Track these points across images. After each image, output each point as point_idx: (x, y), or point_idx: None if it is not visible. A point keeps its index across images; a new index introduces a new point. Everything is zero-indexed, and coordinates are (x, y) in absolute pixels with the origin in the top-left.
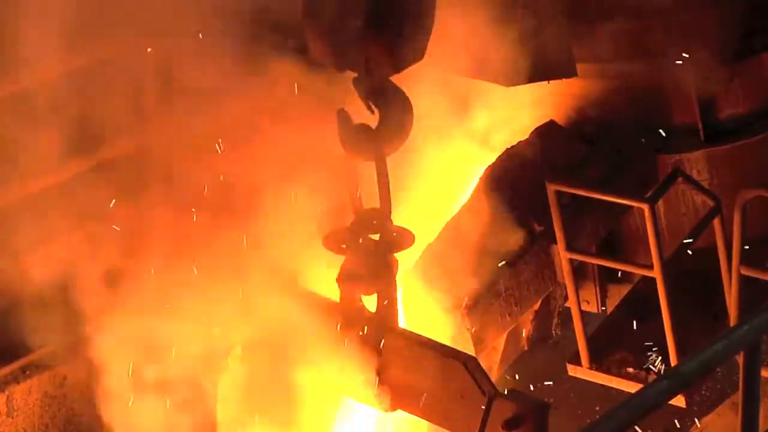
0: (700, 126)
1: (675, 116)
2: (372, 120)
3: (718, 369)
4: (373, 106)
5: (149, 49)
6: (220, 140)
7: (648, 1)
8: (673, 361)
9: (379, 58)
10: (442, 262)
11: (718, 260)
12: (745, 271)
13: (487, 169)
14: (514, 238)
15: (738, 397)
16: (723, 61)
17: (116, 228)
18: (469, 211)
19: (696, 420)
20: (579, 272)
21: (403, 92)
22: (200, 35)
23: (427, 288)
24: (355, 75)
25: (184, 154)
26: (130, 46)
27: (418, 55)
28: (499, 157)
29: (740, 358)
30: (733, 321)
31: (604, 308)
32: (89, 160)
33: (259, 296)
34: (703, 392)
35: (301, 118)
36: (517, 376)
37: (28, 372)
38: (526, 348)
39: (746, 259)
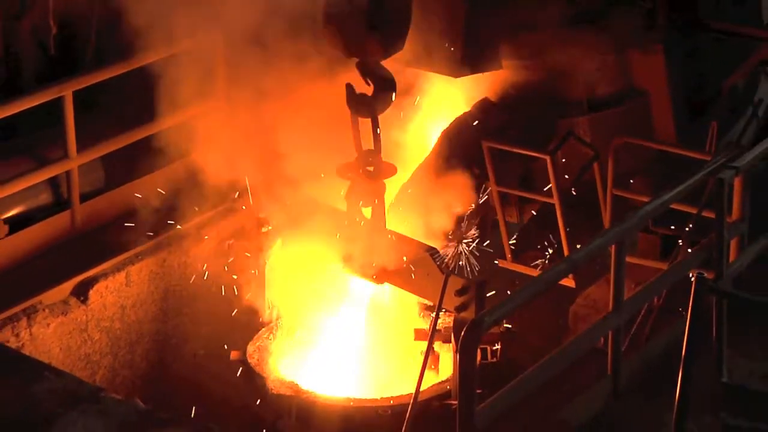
0: (585, 100)
1: (569, 94)
2: (369, 90)
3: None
4: (369, 81)
5: None
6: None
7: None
8: (566, 254)
9: (373, 49)
10: (413, 195)
11: (597, 189)
12: (616, 192)
13: (443, 132)
14: (462, 177)
15: (610, 275)
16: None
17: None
18: (432, 160)
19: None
20: (505, 199)
21: (389, 72)
22: None
23: (403, 210)
24: (358, 60)
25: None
26: None
27: (400, 47)
28: (451, 123)
29: (612, 250)
30: (606, 226)
31: (521, 221)
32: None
33: (294, 206)
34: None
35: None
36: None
37: (140, 256)
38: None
39: (616, 185)
